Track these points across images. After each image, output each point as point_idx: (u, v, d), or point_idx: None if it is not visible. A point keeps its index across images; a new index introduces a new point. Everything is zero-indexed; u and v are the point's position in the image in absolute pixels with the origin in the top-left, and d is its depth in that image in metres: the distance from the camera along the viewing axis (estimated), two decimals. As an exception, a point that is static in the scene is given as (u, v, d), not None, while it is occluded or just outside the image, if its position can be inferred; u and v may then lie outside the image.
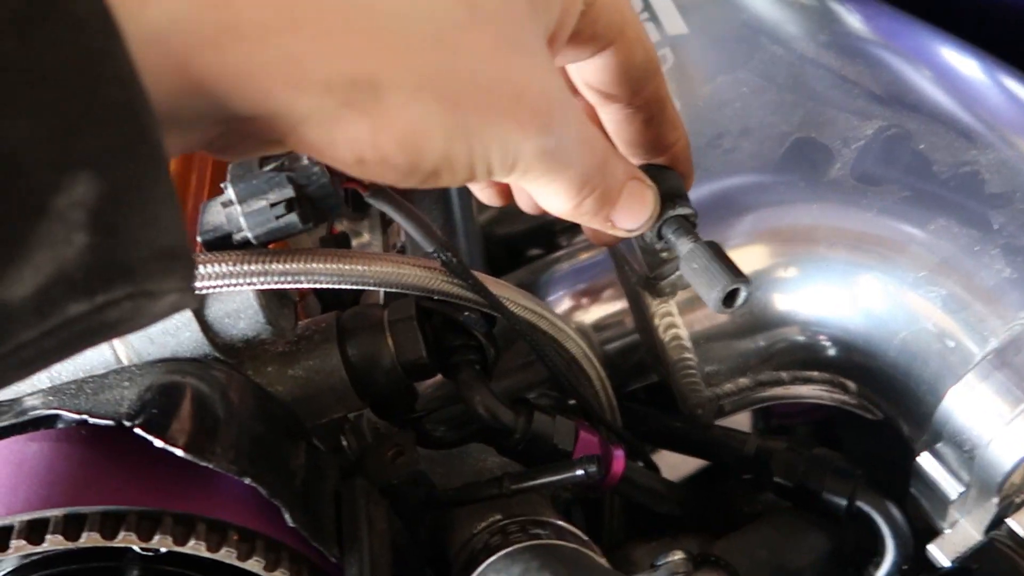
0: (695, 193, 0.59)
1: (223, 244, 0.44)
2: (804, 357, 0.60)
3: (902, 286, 0.55)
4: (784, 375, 0.62)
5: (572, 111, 0.39)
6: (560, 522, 0.51)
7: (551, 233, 0.87)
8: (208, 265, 0.42)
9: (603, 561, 0.49)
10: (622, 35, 0.44)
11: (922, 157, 0.58)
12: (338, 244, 0.70)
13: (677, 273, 0.59)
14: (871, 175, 0.58)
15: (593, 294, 0.68)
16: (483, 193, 0.52)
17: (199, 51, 0.31)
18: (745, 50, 0.71)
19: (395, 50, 0.33)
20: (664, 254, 0.58)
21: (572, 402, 0.62)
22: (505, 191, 0.52)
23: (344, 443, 0.54)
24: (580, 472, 0.50)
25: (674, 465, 0.73)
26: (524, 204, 0.51)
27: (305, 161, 0.42)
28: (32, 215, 0.27)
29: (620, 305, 0.67)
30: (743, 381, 0.62)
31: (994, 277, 0.52)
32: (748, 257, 0.60)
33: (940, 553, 0.53)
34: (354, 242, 0.77)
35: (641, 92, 0.47)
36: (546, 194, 0.40)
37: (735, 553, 0.54)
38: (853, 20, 0.72)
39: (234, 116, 0.32)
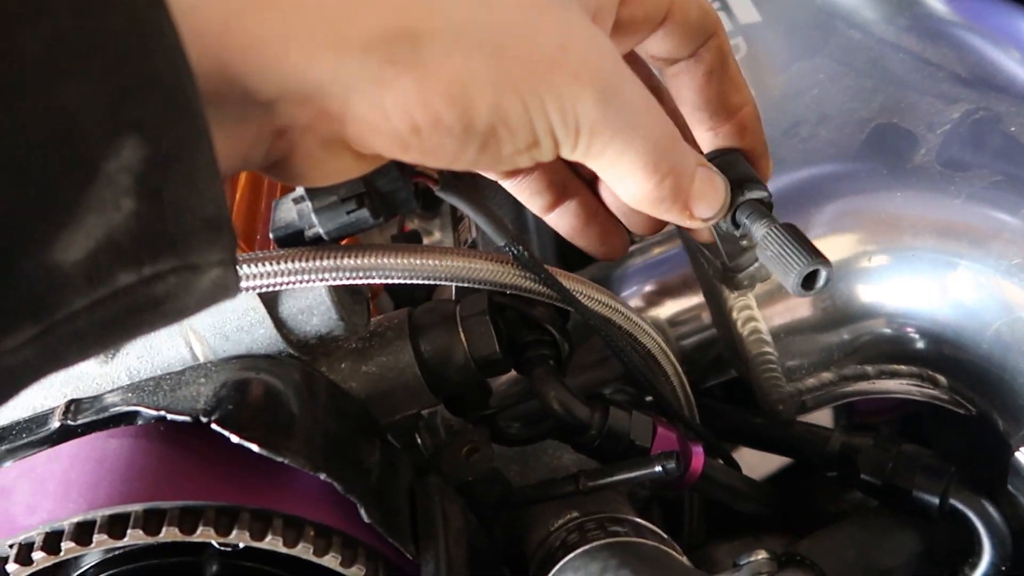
0: (773, 184, 0.57)
1: (295, 241, 0.44)
2: (891, 350, 0.58)
3: (994, 275, 0.52)
4: (869, 369, 0.60)
5: (629, 73, 0.38)
6: (639, 520, 0.50)
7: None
8: (280, 262, 0.42)
9: (684, 559, 0.48)
10: (671, 7, 0.42)
11: (1013, 140, 0.56)
12: (409, 242, 0.70)
13: (755, 265, 0.58)
14: (958, 160, 0.56)
15: (668, 289, 0.66)
16: (534, 201, 0.49)
17: (236, 18, 0.31)
18: (820, 36, 0.69)
19: (429, 1, 0.33)
20: (743, 242, 0.56)
21: (649, 399, 0.61)
22: (556, 195, 0.49)
23: (419, 441, 0.53)
24: (658, 468, 0.49)
25: (754, 465, 0.71)
26: (606, 199, 0.49)
27: (375, 155, 0.41)
28: (85, 178, 0.28)
29: (696, 299, 0.65)
30: (826, 376, 0.60)
31: (1093, 263, 0.49)
32: (830, 248, 0.58)
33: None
34: (425, 240, 0.77)
35: (701, 48, 0.45)
36: (620, 172, 0.39)
37: (821, 552, 0.52)
38: (933, 2, 0.70)
39: (281, 97, 0.32)
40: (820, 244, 0.57)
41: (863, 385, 0.59)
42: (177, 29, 0.28)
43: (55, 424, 0.42)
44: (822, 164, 0.61)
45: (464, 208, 0.44)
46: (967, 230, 0.54)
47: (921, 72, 0.62)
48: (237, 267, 0.33)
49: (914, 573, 0.55)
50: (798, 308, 0.60)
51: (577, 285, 0.49)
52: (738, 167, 0.46)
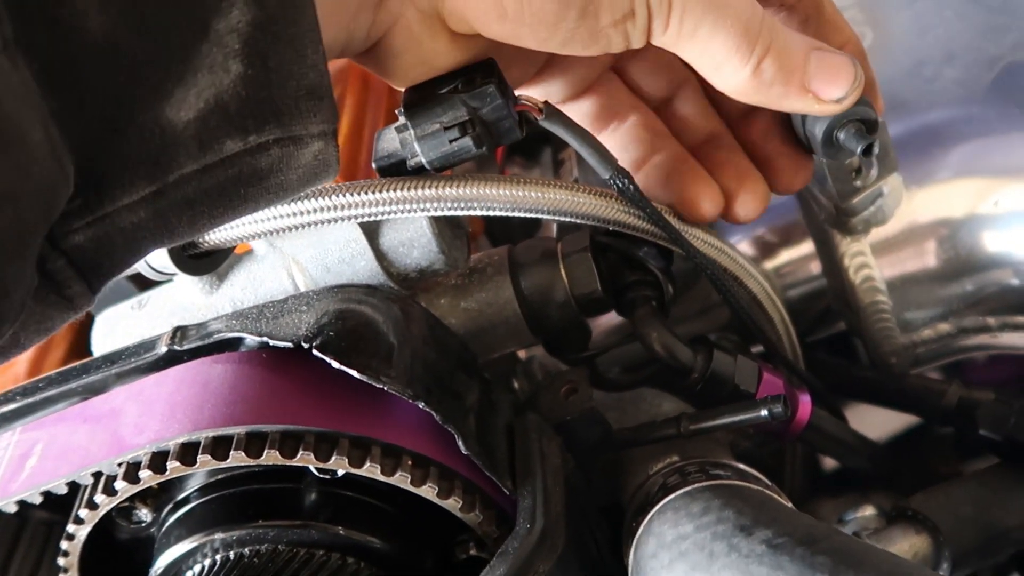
0: (893, 127, 0.55)
1: (397, 170, 0.43)
2: (1017, 302, 0.55)
3: None
4: (992, 321, 0.56)
5: None
6: (742, 465, 0.48)
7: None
8: (381, 190, 0.42)
9: (789, 504, 0.46)
10: None
11: None
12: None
13: (871, 208, 0.55)
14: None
15: (776, 236, 0.64)
16: (626, 151, 0.49)
17: None
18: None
19: None
20: (858, 182, 0.53)
21: (754, 348, 0.59)
22: (647, 148, 0.49)
23: (515, 385, 0.53)
24: (764, 412, 0.47)
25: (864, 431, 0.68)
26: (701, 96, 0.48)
27: (478, 83, 0.41)
28: (198, 35, 0.29)
29: (805, 248, 0.62)
30: (944, 327, 0.57)
31: None
32: (955, 193, 0.55)
33: None
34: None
35: None
36: (715, 58, 0.38)
37: (935, 508, 0.50)
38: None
39: None
40: (945, 188, 0.55)
41: (984, 338, 0.56)
42: None
43: (162, 349, 0.43)
44: (948, 106, 0.57)
45: (568, 137, 0.43)
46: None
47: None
48: (336, 138, 0.34)
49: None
50: (918, 257, 0.57)
51: (683, 224, 0.48)
52: None
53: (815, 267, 0.62)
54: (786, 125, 0.49)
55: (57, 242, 0.29)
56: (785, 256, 0.63)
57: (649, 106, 0.50)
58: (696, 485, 0.43)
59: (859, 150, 0.44)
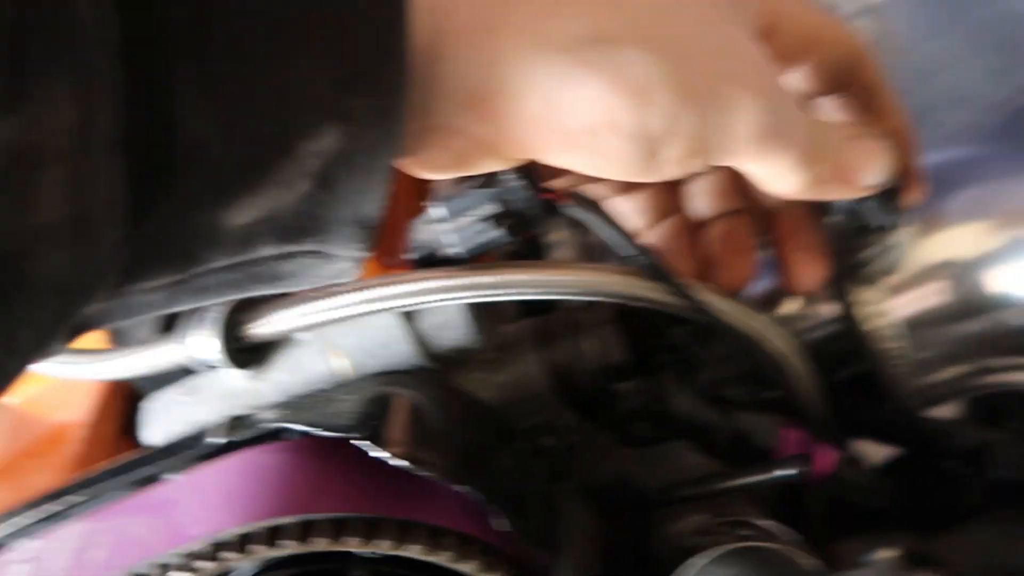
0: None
1: (431, 261, 0.45)
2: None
3: None
4: (1000, 362, 0.58)
5: (782, 81, 0.39)
6: (767, 522, 0.50)
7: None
8: (423, 281, 0.44)
9: (810, 560, 0.48)
10: (816, 44, 0.42)
11: None
12: (530, 245, 0.71)
13: (883, 259, 0.57)
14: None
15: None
16: (640, 216, 0.51)
17: (452, 4, 0.32)
18: (951, 14, 0.66)
19: (622, 10, 0.34)
20: (869, 236, 0.55)
21: (772, 397, 0.60)
22: (659, 211, 0.51)
23: (545, 444, 0.54)
24: (787, 472, 0.49)
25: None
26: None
27: (508, 177, 0.42)
28: (283, 153, 0.29)
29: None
30: (958, 369, 0.59)
31: None
32: (965, 236, 0.57)
33: None
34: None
35: (847, 85, 0.45)
36: (777, 171, 0.39)
37: (957, 552, 0.52)
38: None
39: (467, 96, 0.33)
40: (954, 232, 0.57)
41: (1000, 377, 0.58)
42: (406, 19, 0.30)
43: (221, 440, 0.45)
44: (956, 149, 0.59)
45: (595, 223, 0.44)
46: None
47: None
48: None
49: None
50: (930, 298, 0.58)
51: (708, 295, 0.49)
52: None
53: (830, 310, 0.63)
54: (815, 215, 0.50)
55: None
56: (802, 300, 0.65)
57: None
58: (723, 548, 0.45)
59: (881, 224, 0.46)
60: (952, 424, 0.60)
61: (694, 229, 0.51)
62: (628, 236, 0.45)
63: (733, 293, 0.50)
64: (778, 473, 0.49)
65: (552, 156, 0.36)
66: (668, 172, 0.37)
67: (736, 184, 0.51)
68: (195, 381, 0.48)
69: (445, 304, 0.47)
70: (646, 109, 0.34)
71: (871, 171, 0.43)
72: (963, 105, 0.61)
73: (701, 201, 0.51)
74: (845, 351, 0.64)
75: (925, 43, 0.65)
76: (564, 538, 0.46)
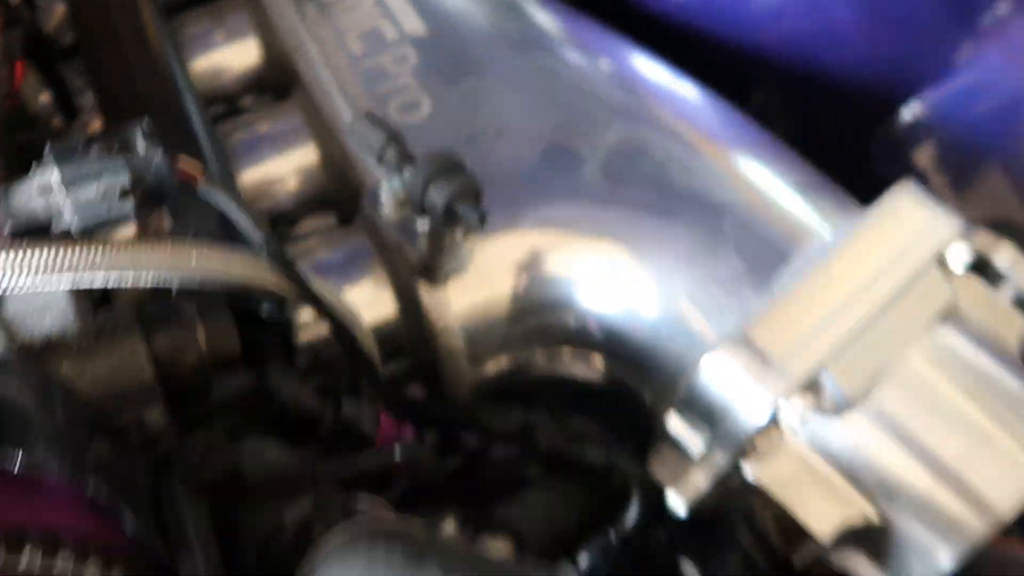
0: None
1: (36, 233, 0.40)
2: (565, 336, 0.66)
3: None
4: (546, 352, 0.67)
5: None
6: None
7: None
8: (20, 255, 0.39)
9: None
10: None
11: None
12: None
13: (454, 259, 0.62)
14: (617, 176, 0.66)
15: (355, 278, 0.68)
16: None
17: None
18: (488, 54, 0.76)
19: None
20: (447, 240, 0.60)
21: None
22: None
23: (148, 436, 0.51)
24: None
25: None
26: None
27: (141, 145, 0.40)
28: None
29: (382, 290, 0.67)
30: (508, 359, 0.67)
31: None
32: (507, 244, 0.64)
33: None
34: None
35: None
36: None
37: (523, 520, 0.59)
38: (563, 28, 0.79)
39: None
40: (507, 238, 0.64)
41: (543, 368, 0.67)
42: None
43: None
44: (504, 174, 0.67)
45: (226, 207, 0.43)
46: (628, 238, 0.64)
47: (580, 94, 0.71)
48: None
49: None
50: (488, 296, 0.65)
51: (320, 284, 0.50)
52: None
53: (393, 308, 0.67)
54: None
55: None
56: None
57: None
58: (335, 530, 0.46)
59: (476, 222, 0.51)
60: (499, 409, 0.67)
61: None
62: (256, 223, 0.45)
63: None
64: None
65: None
66: None
67: None
68: None
69: (44, 287, 0.42)
70: None
71: None
72: (505, 137, 0.70)
73: None
74: (411, 342, 0.69)
75: (466, 78, 0.74)
76: (175, 532, 0.44)
